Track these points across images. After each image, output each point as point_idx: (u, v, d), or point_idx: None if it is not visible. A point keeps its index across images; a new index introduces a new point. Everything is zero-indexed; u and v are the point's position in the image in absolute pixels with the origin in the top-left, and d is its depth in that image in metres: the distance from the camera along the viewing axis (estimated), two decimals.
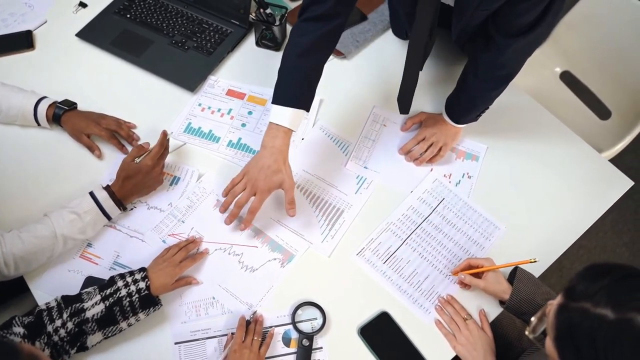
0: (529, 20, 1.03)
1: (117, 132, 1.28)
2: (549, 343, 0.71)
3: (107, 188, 1.13)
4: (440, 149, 1.30)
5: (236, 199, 1.14)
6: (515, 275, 1.10)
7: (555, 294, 1.08)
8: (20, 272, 1.07)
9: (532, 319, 0.75)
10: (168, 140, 1.20)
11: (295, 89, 1.13)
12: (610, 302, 0.64)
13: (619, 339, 0.62)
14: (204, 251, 1.17)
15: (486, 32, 1.14)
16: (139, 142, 1.29)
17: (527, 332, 0.76)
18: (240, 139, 1.33)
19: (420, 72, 1.25)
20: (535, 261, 1.08)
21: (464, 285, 1.15)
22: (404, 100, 1.31)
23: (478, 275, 1.12)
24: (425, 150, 1.30)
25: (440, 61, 1.48)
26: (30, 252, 1.04)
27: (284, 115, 1.11)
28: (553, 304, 0.71)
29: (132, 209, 1.21)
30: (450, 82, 1.35)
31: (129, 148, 1.29)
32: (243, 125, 1.36)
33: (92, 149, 1.27)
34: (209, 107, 1.38)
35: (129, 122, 1.32)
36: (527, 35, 1.06)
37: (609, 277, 0.67)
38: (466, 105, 1.27)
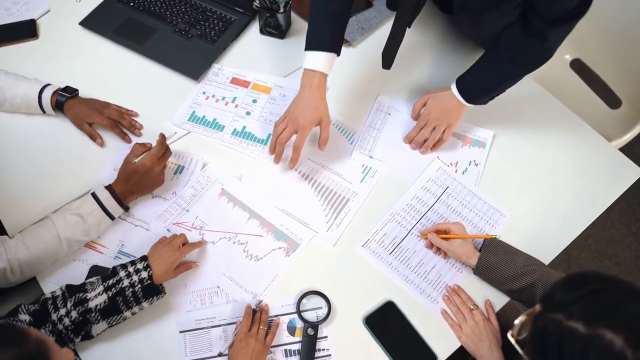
0: (572, 5, 1.03)
1: (119, 122, 1.28)
2: (528, 348, 0.73)
3: (109, 187, 1.13)
4: (444, 132, 1.27)
5: (279, 136, 1.18)
6: (484, 243, 1.13)
7: (535, 260, 1.11)
8: (25, 277, 1.07)
9: (516, 322, 0.75)
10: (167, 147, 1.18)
11: (326, 33, 1.16)
12: (582, 316, 0.64)
13: (586, 353, 0.63)
14: (203, 240, 1.17)
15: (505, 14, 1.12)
16: (141, 130, 1.30)
17: (509, 335, 0.76)
18: (244, 127, 1.32)
19: (408, 30, 1.24)
20: (495, 237, 1.13)
21: (431, 245, 1.17)
22: (387, 55, 1.29)
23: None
24: (430, 135, 1.28)
25: (432, 26, 1.47)
26: (34, 257, 1.04)
27: (318, 60, 1.15)
28: (536, 309, 0.72)
29: (135, 198, 1.20)
30: (440, 48, 1.32)
31: (132, 137, 1.29)
32: (247, 113, 1.35)
33: (93, 137, 1.27)
34: (213, 96, 1.37)
35: (131, 111, 1.32)
36: (572, 22, 1.07)
37: (585, 289, 0.67)
38: (490, 86, 1.23)
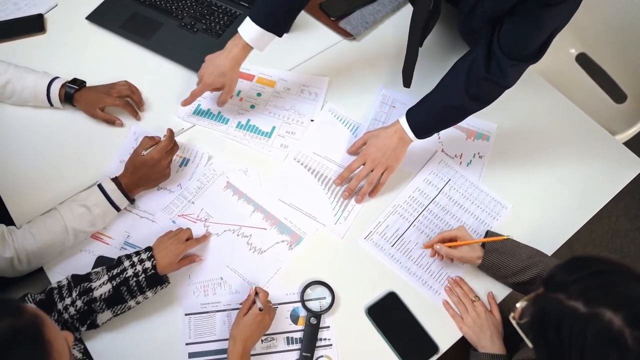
0: (533, 48, 1.04)
1: (130, 97, 1.30)
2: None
3: (115, 180, 1.14)
4: (382, 175, 1.21)
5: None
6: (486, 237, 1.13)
7: (539, 252, 1.10)
8: (32, 267, 1.09)
9: (518, 305, 0.76)
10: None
11: (273, 10, 1.16)
12: (582, 295, 0.65)
13: (584, 331, 0.63)
14: (207, 234, 1.18)
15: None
16: (147, 122, 1.30)
17: (510, 318, 0.76)
18: (249, 120, 1.33)
19: (421, 49, 1.24)
20: (509, 237, 1.09)
21: (437, 255, 1.14)
22: (406, 74, 1.30)
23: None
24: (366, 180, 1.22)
25: (447, 42, 1.46)
26: (42, 247, 1.05)
27: (251, 31, 1.17)
28: (534, 293, 0.72)
29: (141, 191, 1.21)
30: (444, 43, 1.32)
31: (141, 131, 1.30)
32: (252, 106, 1.36)
33: (111, 121, 1.29)
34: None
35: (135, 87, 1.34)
36: (528, 63, 1.08)
37: (586, 270, 0.67)
38: (442, 121, 1.20)
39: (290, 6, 1.19)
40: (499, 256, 1.09)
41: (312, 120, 1.34)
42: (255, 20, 1.15)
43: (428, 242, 1.15)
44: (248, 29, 1.17)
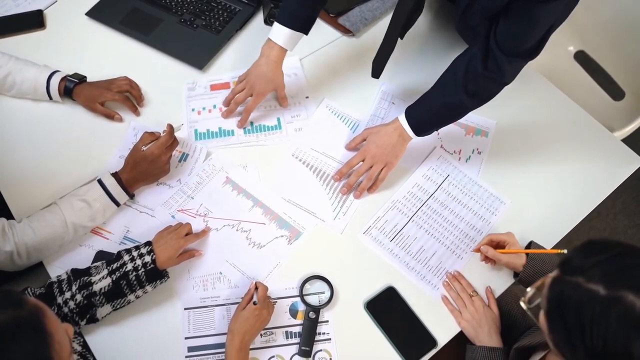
0: (529, 44, 1.04)
1: (130, 93, 1.31)
2: (542, 316, 0.72)
3: (115, 175, 1.14)
4: (381, 171, 1.21)
5: (236, 96, 1.28)
6: (530, 248, 1.11)
7: None
8: (32, 261, 1.09)
9: (529, 289, 0.76)
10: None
11: (299, 12, 1.21)
12: (603, 278, 0.64)
13: (607, 314, 0.63)
14: (206, 228, 1.18)
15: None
16: (147, 117, 1.31)
17: (521, 302, 0.76)
18: (252, 122, 1.33)
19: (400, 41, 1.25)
20: (564, 252, 1.04)
21: (487, 259, 1.14)
22: (378, 64, 1.30)
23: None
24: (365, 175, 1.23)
25: (436, 19, 1.47)
26: (41, 241, 1.06)
27: (283, 34, 1.21)
28: (549, 277, 0.71)
29: (141, 186, 1.22)
30: (444, 39, 1.31)
31: (142, 127, 1.30)
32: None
33: (110, 115, 1.29)
34: (204, 108, 1.35)
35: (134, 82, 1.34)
36: (526, 59, 1.08)
37: (604, 253, 0.67)
38: (442, 118, 1.20)
39: (313, 5, 1.23)
40: (540, 265, 1.08)
41: (307, 97, 1.37)
42: (284, 23, 1.20)
43: (477, 245, 1.15)
44: (278, 34, 1.22)
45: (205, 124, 1.33)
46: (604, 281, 0.64)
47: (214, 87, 1.38)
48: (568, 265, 0.69)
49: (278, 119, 1.33)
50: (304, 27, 1.23)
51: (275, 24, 1.21)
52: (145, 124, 1.31)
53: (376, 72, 1.32)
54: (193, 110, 1.35)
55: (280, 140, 1.31)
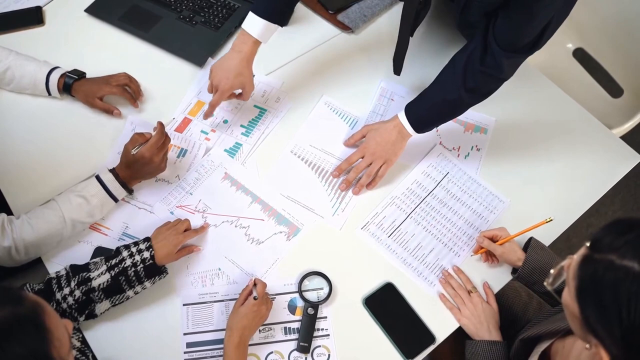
0: (527, 40, 1.04)
1: (128, 86, 1.31)
2: (566, 296, 0.71)
3: (113, 171, 1.14)
4: (380, 168, 1.21)
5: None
6: (530, 244, 1.11)
7: None
8: (30, 257, 1.09)
9: (552, 271, 0.75)
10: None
11: (275, 1, 1.16)
12: (637, 254, 0.64)
13: None
14: (205, 224, 1.18)
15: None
16: (146, 113, 1.31)
17: (545, 284, 0.76)
18: (242, 125, 1.32)
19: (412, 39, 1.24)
20: (551, 220, 1.07)
21: (488, 258, 1.15)
22: (397, 62, 1.31)
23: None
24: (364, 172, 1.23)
25: (437, 17, 1.47)
26: (40, 237, 1.06)
27: (258, 25, 1.16)
28: (574, 258, 0.71)
29: (139, 182, 1.22)
30: (444, 36, 1.32)
31: (138, 124, 1.31)
32: (243, 128, 1.32)
33: (109, 110, 1.29)
34: (194, 144, 1.29)
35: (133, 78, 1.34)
36: (526, 54, 1.08)
37: (635, 231, 0.66)
38: (441, 115, 1.20)
39: None
40: (541, 256, 1.09)
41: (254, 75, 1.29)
42: (258, 13, 1.15)
43: (475, 248, 1.16)
44: (252, 24, 1.16)
45: (217, 148, 1.30)
46: (639, 258, 0.64)
47: (179, 128, 1.31)
48: (598, 244, 0.68)
49: (255, 106, 1.34)
50: (280, 19, 1.18)
51: (250, 14, 1.16)
52: (143, 119, 1.31)
53: (397, 69, 1.34)
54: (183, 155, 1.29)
55: (276, 117, 1.33)
